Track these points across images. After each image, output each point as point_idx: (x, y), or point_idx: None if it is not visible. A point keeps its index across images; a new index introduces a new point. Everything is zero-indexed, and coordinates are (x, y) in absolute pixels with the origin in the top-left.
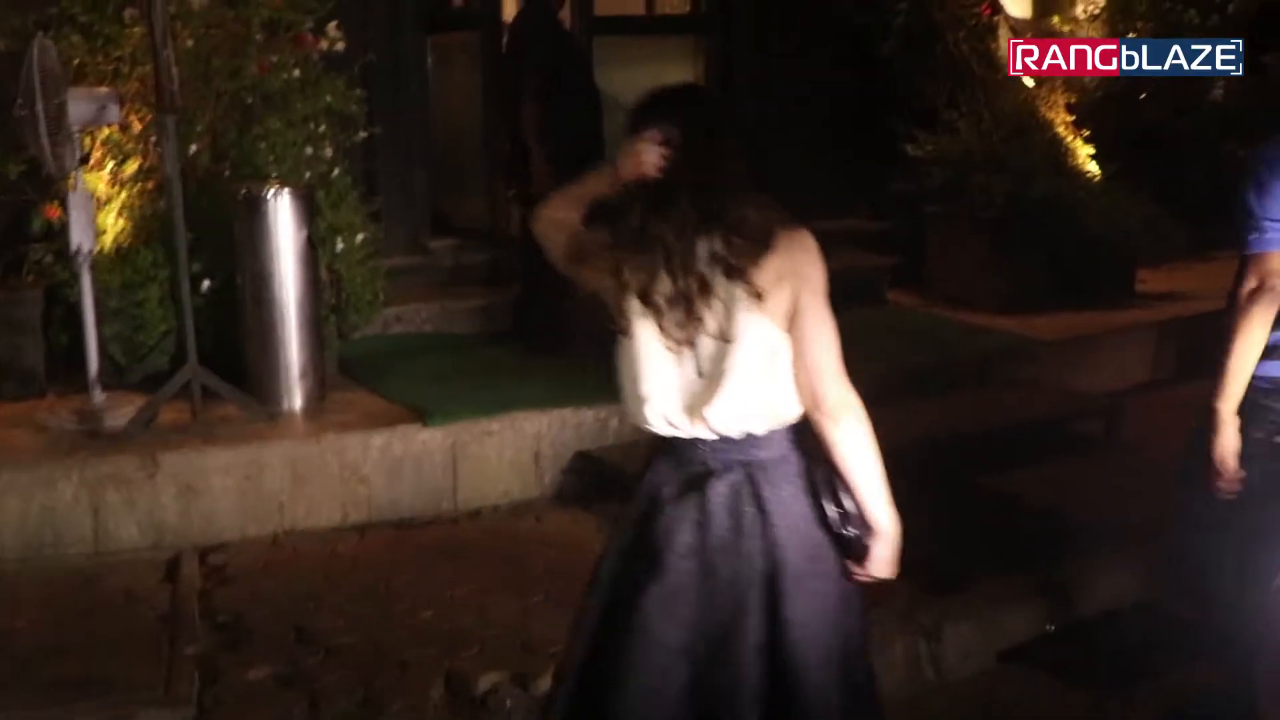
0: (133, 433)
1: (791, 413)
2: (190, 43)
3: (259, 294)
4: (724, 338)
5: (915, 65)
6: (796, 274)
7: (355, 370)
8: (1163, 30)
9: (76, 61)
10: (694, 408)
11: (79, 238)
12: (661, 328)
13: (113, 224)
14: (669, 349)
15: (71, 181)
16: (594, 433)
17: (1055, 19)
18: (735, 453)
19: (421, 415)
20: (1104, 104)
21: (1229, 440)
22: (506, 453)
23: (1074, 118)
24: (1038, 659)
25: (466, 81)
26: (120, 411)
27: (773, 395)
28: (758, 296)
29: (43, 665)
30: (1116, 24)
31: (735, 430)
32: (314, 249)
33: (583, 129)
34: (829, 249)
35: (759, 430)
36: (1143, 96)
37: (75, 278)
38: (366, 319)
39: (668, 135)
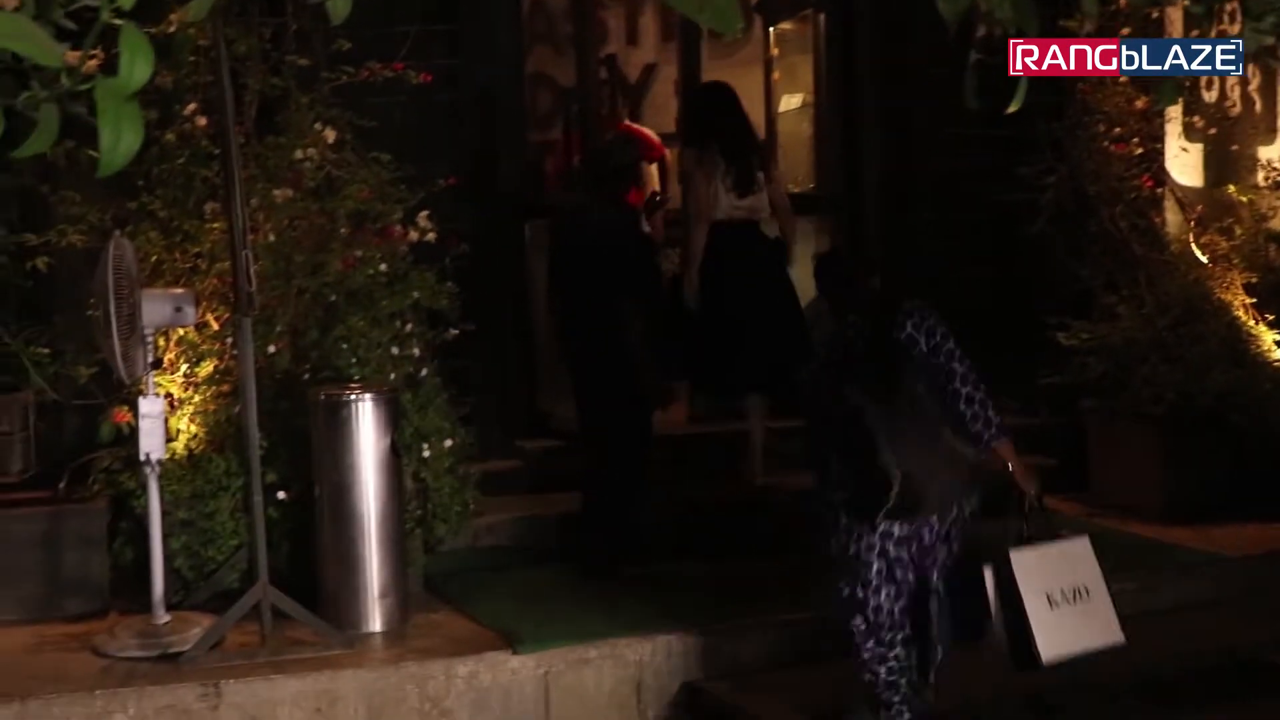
0: (196, 657)
1: None
2: (272, 237)
3: (338, 506)
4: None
5: (1065, 245)
6: None
7: (441, 588)
8: None
9: (154, 258)
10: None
11: (148, 445)
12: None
13: (185, 429)
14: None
15: (143, 385)
16: (702, 662)
17: (1232, 188)
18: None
19: (511, 640)
20: None
21: None
22: (605, 683)
23: (1254, 299)
24: None
25: None
26: (185, 634)
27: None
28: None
29: None
30: None
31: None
32: (398, 457)
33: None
34: None
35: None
36: None
37: (143, 488)
38: (454, 531)
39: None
